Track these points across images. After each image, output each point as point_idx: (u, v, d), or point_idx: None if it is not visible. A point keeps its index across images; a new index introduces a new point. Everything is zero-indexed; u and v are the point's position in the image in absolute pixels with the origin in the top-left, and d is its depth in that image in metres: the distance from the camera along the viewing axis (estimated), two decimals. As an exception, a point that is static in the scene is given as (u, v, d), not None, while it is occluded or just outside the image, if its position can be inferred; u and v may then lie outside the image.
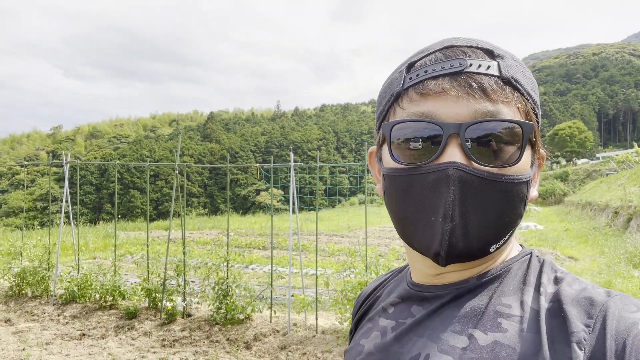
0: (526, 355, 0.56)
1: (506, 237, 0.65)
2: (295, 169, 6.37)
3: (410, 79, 0.65)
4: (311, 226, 18.94)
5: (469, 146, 0.61)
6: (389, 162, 0.68)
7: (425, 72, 0.64)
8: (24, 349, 5.50)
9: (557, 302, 0.60)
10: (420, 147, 0.63)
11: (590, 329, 0.55)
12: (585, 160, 72.38)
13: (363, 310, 0.87)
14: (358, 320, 0.87)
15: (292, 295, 5.88)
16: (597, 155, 78.56)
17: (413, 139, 0.64)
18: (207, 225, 24.07)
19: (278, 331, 5.69)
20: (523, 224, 21.37)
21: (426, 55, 0.66)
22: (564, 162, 71.00)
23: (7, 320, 6.57)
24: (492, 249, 0.64)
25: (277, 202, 35.71)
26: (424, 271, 0.72)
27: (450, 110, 0.62)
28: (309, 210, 24.25)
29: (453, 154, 0.61)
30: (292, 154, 6.50)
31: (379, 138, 0.72)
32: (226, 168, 6.66)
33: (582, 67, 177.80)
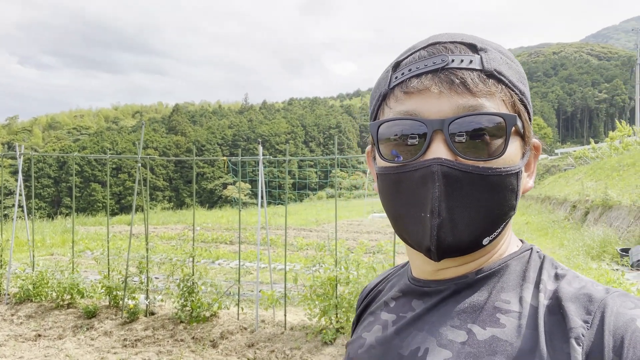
0: (523, 351, 0.57)
1: (499, 230, 0.66)
2: (263, 163, 6.24)
3: (396, 78, 0.67)
4: (279, 220, 18.81)
5: (454, 141, 0.62)
6: (379, 161, 0.70)
7: (410, 70, 0.65)
8: (-28, 352, 5.18)
9: (556, 299, 0.61)
10: (406, 144, 0.64)
11: (589, 325, 0.56)
12: (544, 155, 74.80)
13: (365, 303, 0.88)
14: (360, 313, 0.89)
15: (260, 291, 5.77)
16: (556, 151, 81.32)
17: (399, 137, 0.65)
18: (172, 220, 23.51)
19: (245, 328, 5.57)
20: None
21: (412, 54, 0.67)
22: (524, 157, 73.18)
23: (-45, 322, 6.19)
24: (485, 241, 0.65)
25: (245, 196, 35.33)
26: (423, 267, 0.73)
27: (433, 107, 0.63)
28: (277, 204, 24.10)
29: (438, 150, 0.62)
30: (260, 147, 6.36)
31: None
32: (192, 161, 6.48)
33: (542, 65, 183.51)
